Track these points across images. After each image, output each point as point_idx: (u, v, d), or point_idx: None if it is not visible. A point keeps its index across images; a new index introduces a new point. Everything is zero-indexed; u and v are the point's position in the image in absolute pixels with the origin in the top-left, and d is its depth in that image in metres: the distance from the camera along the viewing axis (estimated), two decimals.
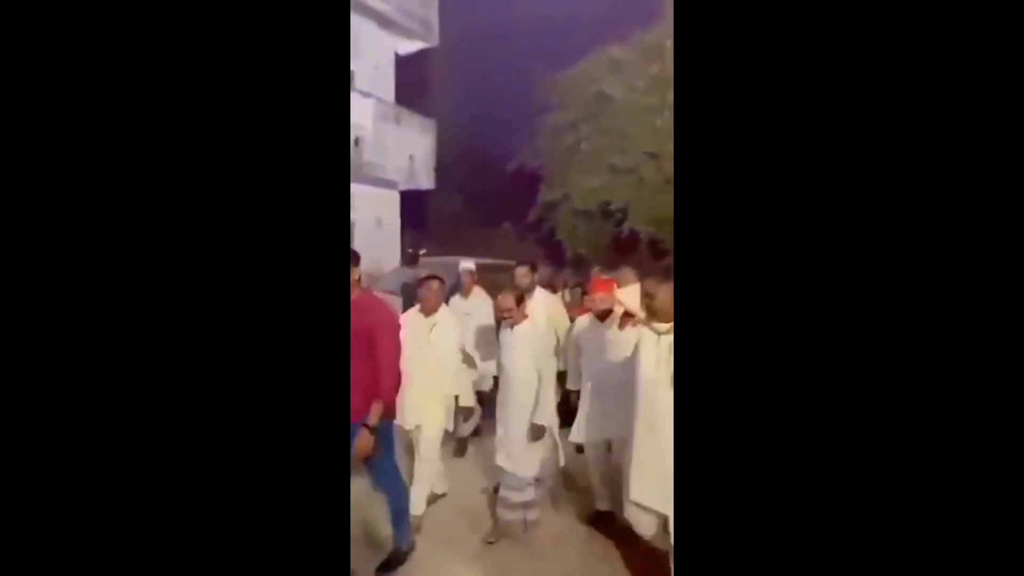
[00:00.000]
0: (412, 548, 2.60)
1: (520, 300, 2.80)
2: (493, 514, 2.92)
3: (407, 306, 5.45)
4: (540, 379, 2.71)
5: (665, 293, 2.04)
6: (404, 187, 9.71)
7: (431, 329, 2.92)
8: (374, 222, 9.43)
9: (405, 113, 9.09)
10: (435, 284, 2.99)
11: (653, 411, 2.05)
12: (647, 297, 2.08)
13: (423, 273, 6.07)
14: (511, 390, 2.76)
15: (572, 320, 3.93)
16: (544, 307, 3.64)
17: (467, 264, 4.37)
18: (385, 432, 2.35)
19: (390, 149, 8.77)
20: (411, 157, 9.25)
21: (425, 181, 9.65)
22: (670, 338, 1.99)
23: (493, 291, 4.26)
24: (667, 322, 2.05)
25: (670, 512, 1.94)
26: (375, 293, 2.82)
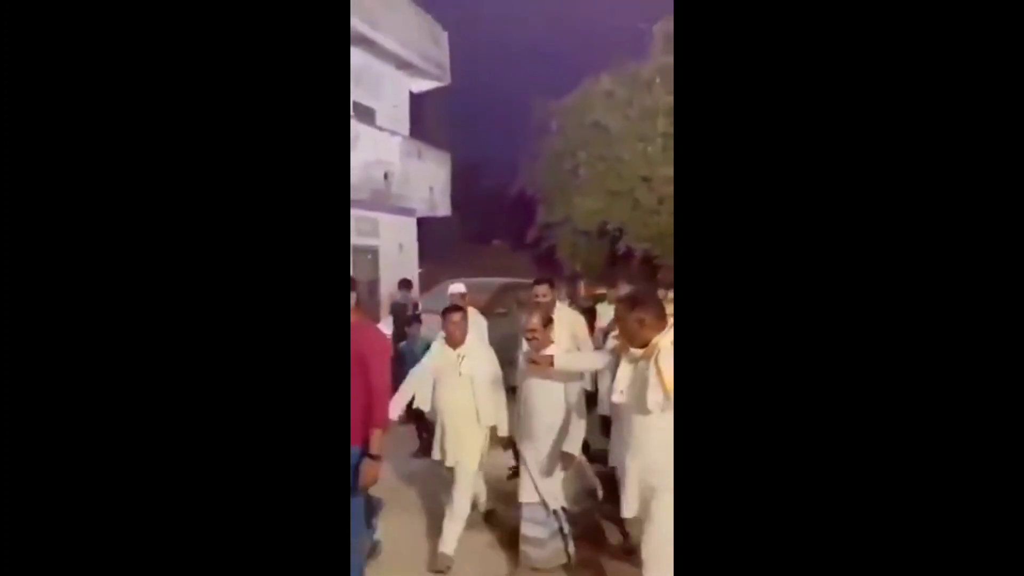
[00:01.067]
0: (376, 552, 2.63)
1: (547, 322, 2.66)
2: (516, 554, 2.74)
3: (397, 327, 5.96)
4: (569, 405, 2.62)
5: (635, 319, 1.99)
6: (422, 214, 10.48)
7: (461, 361, 2.85)
8: (397, 248, 10.19)
9: (425, 148, 9.90)
10: (457, 315, 2.89)
11: (631, 435, 2.05)
12: (638, 323, 2.00)
13: (415, 296, 6.50)
14: (535, 418, 2.62)
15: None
16: (568, 325, 3.44)
17: (457, 287, 4.19)
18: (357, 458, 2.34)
19: (413, 181, 9.57)
20: (431, 188, 10.05)
21: (443, 209, 10.45)
22: (644, 364, 1.96)
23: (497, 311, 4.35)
24: (641, 347, 2.00)
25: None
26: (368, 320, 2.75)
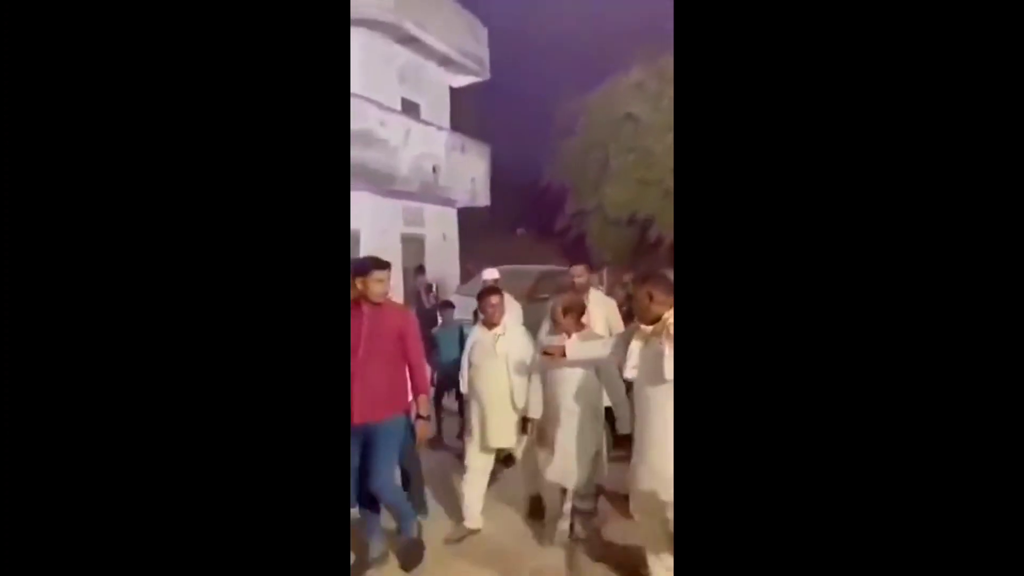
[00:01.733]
0: (419, 533, 2.67)
1: (579, 309, 2.73)
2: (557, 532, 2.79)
3: (417, 313, 6.21)
4: (611, 389, 2.70)
5: (644, 293, 2.07)
6: (463, 205, 10.99)
7: (497, 341, 2.92)
8: (441, 237, 10.73)
9: (468, 141, 10.38)
10: (495, 298, 2.95)
11: (645, 407, 2.10)
12: (648, 298, 2.08)
13: (429, 281, 6.63)
14: (567, 403, 2.67)
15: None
16: (602, 309, 3.54)
17: (490, 273, 4.27)
18: (395, 428, 2.52)
19: (457, 174, 10.07)
20: (473, 179, 10.53)
21: (483, 199, 10.96)
22: (655, 340, 2.04)
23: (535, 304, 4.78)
24: (651, 323, 2.08)
25: (667, 499, 1.95)
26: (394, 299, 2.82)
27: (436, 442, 4.18)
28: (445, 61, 10.64)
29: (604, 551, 2.69)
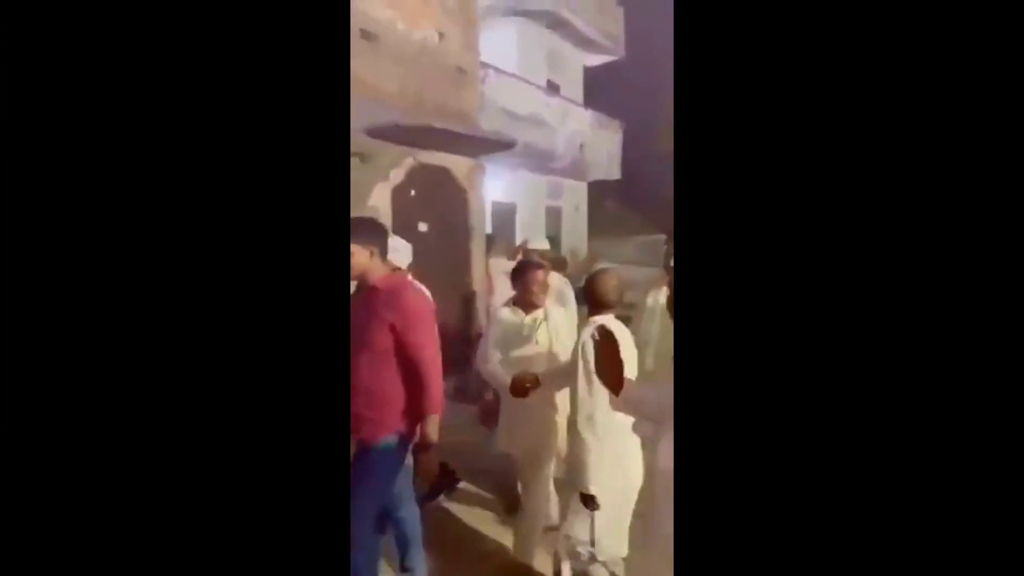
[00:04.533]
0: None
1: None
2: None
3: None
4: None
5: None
6: (594, 179, 11.79)
7: (537, 327, 2.40)
8: (574, 209, 11.63)
9: (605, 119, 11.09)
10: (540, 273, 2.42)
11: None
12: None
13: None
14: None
15: None
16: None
17: (537, 242, 3.92)
18: (387, 451, 1.92)
19: (597, 149, 10.86)
20: (608, 154, 11.28)
21: (615, 173, 11.71)
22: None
23: None
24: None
25: None
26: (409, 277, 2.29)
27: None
28: (584, 42, 11.30)
29: None
